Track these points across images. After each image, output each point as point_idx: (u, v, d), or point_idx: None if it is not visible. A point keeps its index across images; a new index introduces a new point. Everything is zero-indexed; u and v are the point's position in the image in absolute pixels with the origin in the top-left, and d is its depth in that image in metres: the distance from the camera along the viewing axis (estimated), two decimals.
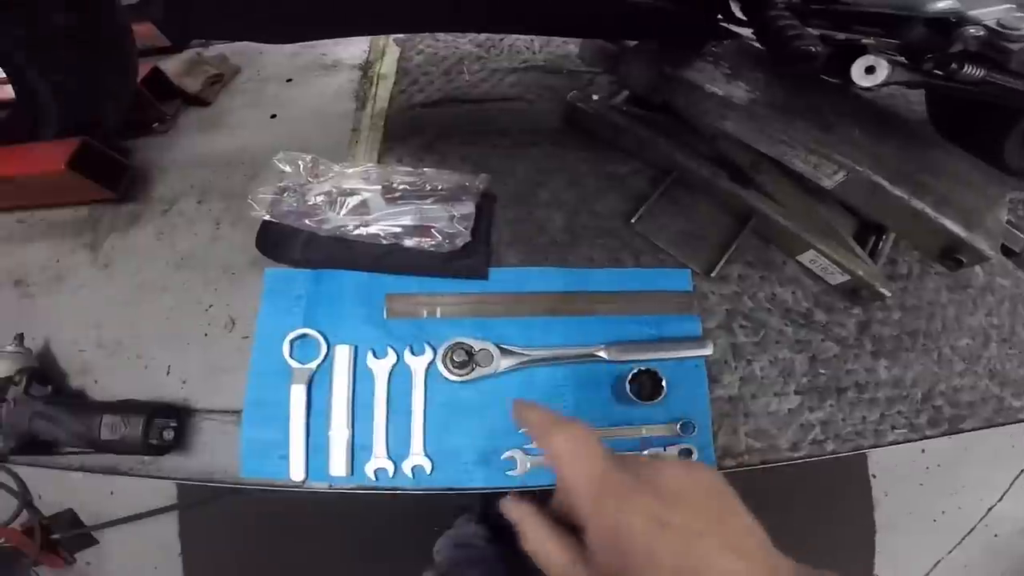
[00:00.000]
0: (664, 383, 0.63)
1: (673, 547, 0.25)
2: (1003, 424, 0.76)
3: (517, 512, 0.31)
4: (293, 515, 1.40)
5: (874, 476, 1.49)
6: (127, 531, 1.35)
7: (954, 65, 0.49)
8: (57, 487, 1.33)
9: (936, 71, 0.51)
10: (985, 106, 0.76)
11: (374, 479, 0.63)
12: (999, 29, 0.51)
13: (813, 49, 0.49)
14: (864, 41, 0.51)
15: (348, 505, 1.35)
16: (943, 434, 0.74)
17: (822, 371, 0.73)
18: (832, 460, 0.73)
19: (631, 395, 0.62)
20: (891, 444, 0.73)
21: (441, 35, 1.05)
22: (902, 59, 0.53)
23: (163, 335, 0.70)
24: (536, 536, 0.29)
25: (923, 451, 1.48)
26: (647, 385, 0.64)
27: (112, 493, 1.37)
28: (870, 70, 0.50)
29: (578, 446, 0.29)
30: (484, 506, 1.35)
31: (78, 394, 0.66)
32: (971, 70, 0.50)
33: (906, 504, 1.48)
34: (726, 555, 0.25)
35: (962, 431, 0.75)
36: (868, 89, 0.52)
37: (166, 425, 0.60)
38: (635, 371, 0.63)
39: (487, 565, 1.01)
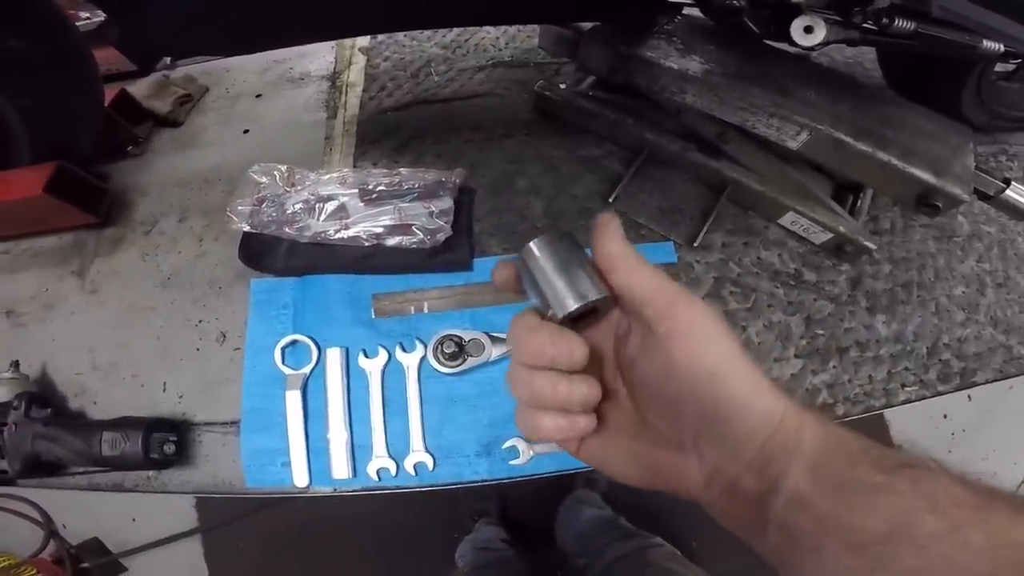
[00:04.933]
0: None
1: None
2: (1016, 375, 0.78)
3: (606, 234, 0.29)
4: (316, 530, 1.45)
5: (901, 447, 1.51)
6: (154, 557, 1.40)
7: (885, 19, 0.55)
8: (79, 516, 1.38)
9: (870, 26, 0.57)
10: (937, 63, 0.81)
11: (377, 479, 0.67)
12: None
13: (736, 3, 0.54)
14: (795, 0, 0.57)
15: (370, 518, 1.39)
16: (956, 389, 0.76)
17: (819, 331, 0.76)
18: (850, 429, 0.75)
19: None
20: (904, 403, 0.74)
21: (406, 40, 1.12)
22: (836, 17, 0.58)
23: (156, 353, 0.75)
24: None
25: (945, 416, 1.51)
26: None
27: (135, 520, 1.42)
28: (809, 30, 0.56)
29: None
30: (501, 508, 1.40)
31: (78, 415, 0.72)
32: (902, 23, 0.55)
33: None
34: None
35: (975, 384, 0.76)
36: (811, 49, 0.57)
37: (166, 439, 0.65)
38: None
39: (508, 565, 1.06)
